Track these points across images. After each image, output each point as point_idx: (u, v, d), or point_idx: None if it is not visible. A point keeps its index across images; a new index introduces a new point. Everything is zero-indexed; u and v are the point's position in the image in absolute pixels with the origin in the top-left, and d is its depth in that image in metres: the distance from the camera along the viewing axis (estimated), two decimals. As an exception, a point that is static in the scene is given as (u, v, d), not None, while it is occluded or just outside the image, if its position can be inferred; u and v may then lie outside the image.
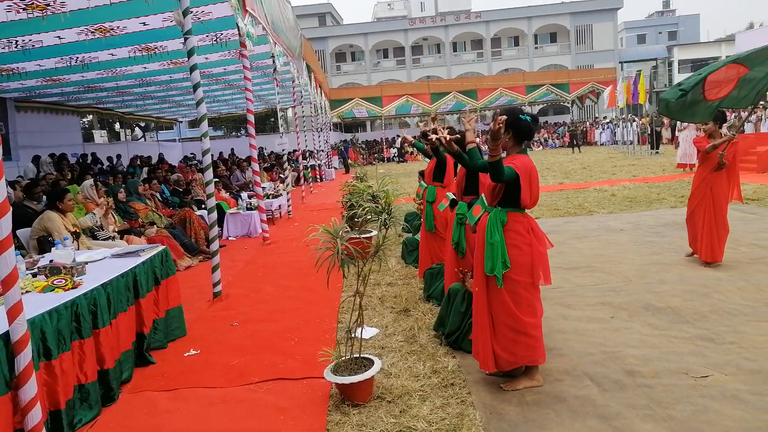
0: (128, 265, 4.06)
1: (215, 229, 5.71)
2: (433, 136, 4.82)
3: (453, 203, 4.61)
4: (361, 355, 3.40)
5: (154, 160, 18.35)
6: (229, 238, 9.33)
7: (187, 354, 4.21)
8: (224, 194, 11.01)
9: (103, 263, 4.25)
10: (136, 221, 7.60)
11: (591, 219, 8.73)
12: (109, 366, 3.46)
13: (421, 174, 6.38)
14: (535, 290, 3.26)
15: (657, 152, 21.00)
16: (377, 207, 3.60)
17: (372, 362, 3.32)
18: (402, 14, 52.64)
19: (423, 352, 3.87)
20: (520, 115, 3.19)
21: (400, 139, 32.08)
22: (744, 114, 15.15)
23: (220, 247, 6.27)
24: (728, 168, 5.69)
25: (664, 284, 5.13)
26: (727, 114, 16.61)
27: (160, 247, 4.71)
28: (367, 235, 6.69)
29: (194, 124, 34.12)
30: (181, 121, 28.16)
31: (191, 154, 22.29)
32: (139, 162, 16.77)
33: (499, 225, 3.18)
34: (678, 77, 47.93)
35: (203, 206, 8.64)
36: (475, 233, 3.40)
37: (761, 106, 17.53)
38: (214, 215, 5.70)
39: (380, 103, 31.14)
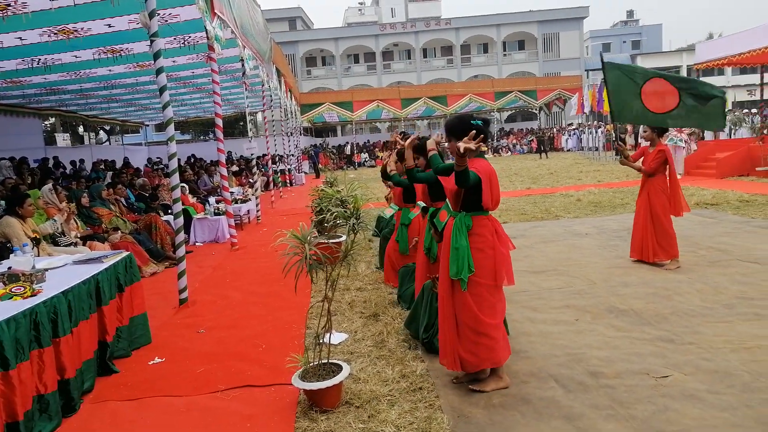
0: (90, 272, 3.97)
1: (181, 235, 5.63)
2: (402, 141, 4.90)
3: (425, 210, 4.67)
4: (330, 361, 3.39)
5: (119, 164, 17.99)
6: (197, 244, 9.19)
7: (152, 362, 4.14)
8: (192, 199, 10.85)
9: (65, 270, 4.14)
10: (100, 227, 7.43)
11: (557, 223, 8.89)
12: (70, 375, 3.37)
13: (384, 173, 6.08)
14: (497, 292, 3.32)
15: (621, 158, 21.52)
16: (346, 212, 3.60)
17: (340, 368, 3.31)
18: (373, 20, 52.81)
19: (392, 357, 3.88)
20: (471, 121, 3.23)
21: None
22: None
23: (187, 252, 6.17)
24: (670, 180, 5.87)
25: (627, 287, 5.25)
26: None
27: (125, 253, 4.61)
28: (336, 240, 6.66)
29: (161, 127, 33.56)
30: (148, 125, 27.66)
31: (157, 158, 21.88)
32: (103, 166, 16.40)
33: (464, 229, 3.23)
34: (641, 85, 49.27)
35: (169, 211, 8.50)
36: (441, 241, 3.45)
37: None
38: (181, 220, 5.61)
39: (351, 108, 31.15)
